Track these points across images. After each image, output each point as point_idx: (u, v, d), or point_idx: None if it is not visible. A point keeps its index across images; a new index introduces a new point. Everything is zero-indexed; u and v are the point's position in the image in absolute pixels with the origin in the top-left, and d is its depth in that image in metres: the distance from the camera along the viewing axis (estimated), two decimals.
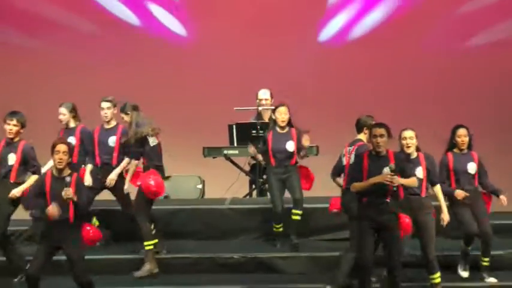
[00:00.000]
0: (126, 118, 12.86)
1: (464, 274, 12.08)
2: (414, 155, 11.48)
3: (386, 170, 10.42)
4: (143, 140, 12.63)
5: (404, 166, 10.88)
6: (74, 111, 13.57)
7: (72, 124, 13.38)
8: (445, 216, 11.43)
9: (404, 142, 11.36)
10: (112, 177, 13.17)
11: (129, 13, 18.51)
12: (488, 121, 17.19)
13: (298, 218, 12.93)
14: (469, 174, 11.90)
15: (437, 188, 11.61)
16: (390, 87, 16.49)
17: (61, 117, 13.32)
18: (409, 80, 17.39)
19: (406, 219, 11.07)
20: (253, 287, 12.04)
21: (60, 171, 10.53)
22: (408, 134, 11.38)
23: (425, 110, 16.53)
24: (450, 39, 18.37)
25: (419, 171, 11.36)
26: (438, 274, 11.38)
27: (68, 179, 10.39)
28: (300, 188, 13.04)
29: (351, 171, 11.17)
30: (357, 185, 10.60)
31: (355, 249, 11.10)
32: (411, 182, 10.70)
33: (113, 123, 13.54)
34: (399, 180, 10.46)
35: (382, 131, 10.52)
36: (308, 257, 12.77)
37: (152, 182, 12.31)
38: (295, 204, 12.88)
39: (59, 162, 10.46)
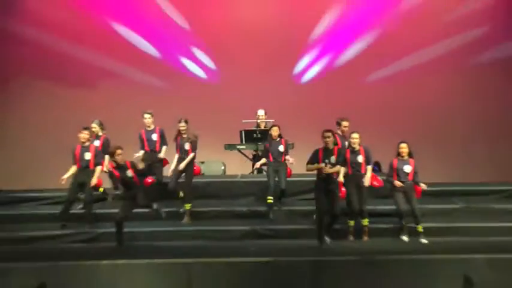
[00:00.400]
0: (183, 125, 15.47)
1: (405, 238, 14.19)
2: (357, 148, 14.21)
3: (324, 162, 13.52)
4: (187, 140, 15.47)
5: (340, 160, 13.68)
6: (101, 125, 16.11)
7: (100, 133, 16.00)
8: (366, 181, 14.28)
9: (352, 140, 14.21)
10: (161, 155, 16.01)
11: (181, 65, 20.75)
12: (421, 134, 18.63)
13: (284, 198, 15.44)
14: (405, 172, 14.12)
15: (369, 168, 14.28)
16: (345, 108, 17.00)
17: (93, 129, 15.90)
18: (358, 103, 19.03)
19: (342, 188, 14.07)
20: (255, 228, 14.74)
21: (120, 164, 13.73)
22: (355, 135, 14.23)
23: (374, 121, 17.74)
24: (388, 73, 20.53)
25: (360, 158, 14.20)
26: (367, 220, 14.25)
27: (129, 172, 13.78)
28: (285, 180, 15.28)
29: (310, 158, 13.71)
30: (308, 167, 13.57)
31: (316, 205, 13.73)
32: (336, 169, 13.54)
33: (152, 126, 16.04)
34: (328, 170, 13.30)
35: (328, 134, 13.51)
36: (287, 210, 15.76)
37: (196, 168, 15.70)
38: (282, 193, 15.42)
39: (121, 159, 13.68)
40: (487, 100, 19.14)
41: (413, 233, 14.13)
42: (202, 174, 16.82)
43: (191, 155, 15.30)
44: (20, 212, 15.79)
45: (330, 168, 13.44)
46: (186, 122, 15.24)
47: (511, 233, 14.65)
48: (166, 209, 14.78)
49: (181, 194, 15.31)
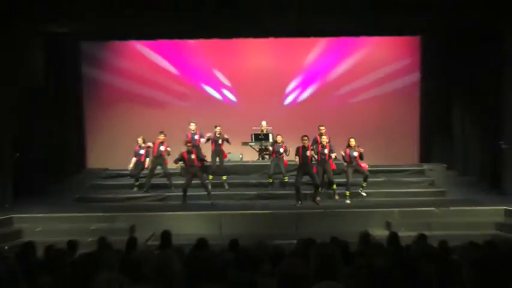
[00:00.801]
0: (219, 129, 15.34)
1: (348, 201, 13.93)
2: (325, 141, 14.11)
3: (307, 153, 13.61)
4: (219, 138, 15.40)
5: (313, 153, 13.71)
6: (165, 135, 15.24)
7: (162, 138, 15.22)
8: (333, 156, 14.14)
9: (322, 137, 14.13)
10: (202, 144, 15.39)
11: (211, 90, 19.17)
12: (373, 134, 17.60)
13: (286, 180, 15.21)
14: (354, 156, 14.02)
15: (334, 155, 14.19)
16: (318, 121, 15.17)
17: (162, 136, 15.17)
18: (327, 116, 17.07)
19: (315, 168, 13.98)
20: (260, 193, 14.82)
21: (189, 151, 13.85)
22: (323, 130, 14.19)
23: (333, 125, 15.81)
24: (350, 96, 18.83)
25: (326, 150, 14.07)
26: (335, 186, 14.26)
27: (192, 155, 13.83)
28: (284, 170, 15.16)
29: (296, 152, 13.71)
30: (297, 158, 13.73)
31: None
32: (312, 154, 13.62)
33: (195, 131, 15.56)
34: (310, 154, 13.57)
35: (304, 137, 13.66)
36: (279, 182, 15.33)
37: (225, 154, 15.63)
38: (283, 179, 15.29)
39: (189, 148, 13.86)
40: (397, 113, 18.57)
41: (356, 195, 14.35)
42: (228, 159, 16.57)
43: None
44: (120, 182, 16.11)
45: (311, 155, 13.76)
46: (219, 127, 15.54)
47: (413, 195, 14.98)
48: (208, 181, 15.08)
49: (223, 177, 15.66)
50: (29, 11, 13.90)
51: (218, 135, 15.52)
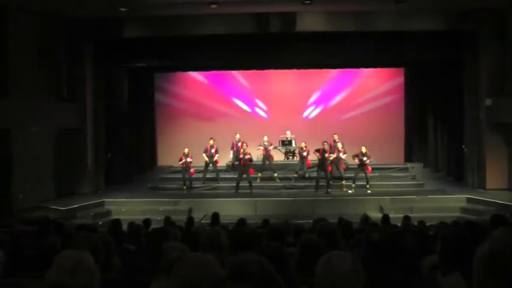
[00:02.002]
0: (266, 138, 15.20)
1: (350, 191, 13.84)
2: (340, 147, 13.97)
3: (326, 154, 13.62)
4: (267, 146, 15.18)
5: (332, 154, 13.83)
6: (214, 140, 14.72)
7: (214, 145, 14.74)
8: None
9: (337, 144, 14.07)
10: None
11: (243, 106, 18.67)
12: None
13: (307, 175, 14.82)
14: (363, 160, 13.71)
15: (345, 155, 14.14)
16: (331, 130, 15.34)
17: (212, 141, 14.75)
18: (339, 128, 16.10)
19: (329, 167, 13.87)
20: (285, 184, 14.55)
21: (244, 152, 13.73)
22: (336, 138, 14.28)
23: (345, 136, 15.02)
24: (353, 114, 18.17)
25: (342, 153, 14.05)
26: (344, 181, 14.05)
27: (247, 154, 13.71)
28: (306, 168, 14.84)
29: (317, 151, 13.79)
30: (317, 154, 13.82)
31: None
32: (334, 156, 13.75)
33: (239, 139, 15.20)
34: (330, 157, 13.67)
35: (325, 143, 13.74)
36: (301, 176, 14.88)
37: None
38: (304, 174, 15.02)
39: (244, 148, 13.77)
40: (388, 125, 18.08)
41: (362, 187, 14.08)
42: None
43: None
44: (181, 176, 15.09)
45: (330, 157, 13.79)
46: (267, 136, 15.38)
47: (399, 187, 14.76)
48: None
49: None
50: (117, 51, 14.88)
51: (266, 143, 15.23)
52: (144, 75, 17.79)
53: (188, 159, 14.28)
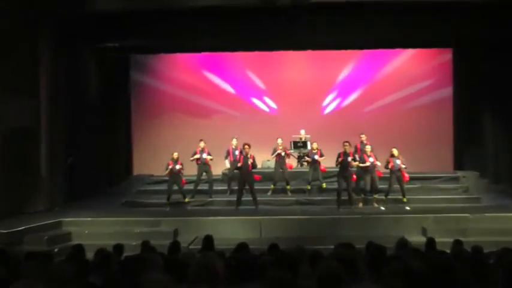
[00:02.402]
0: (280, 141, 15.29)
1: (383, 208, 13.86)
2: (369, 150, 13.97)
3: (349, 159, 13.77)
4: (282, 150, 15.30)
5: (355, 158, 13.91)
6: (204, 142, 14.97)
7: (205, 148, 14.93)
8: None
9: (366, 147, 14.16)
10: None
11: (255, 101, 19.07)
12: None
13: (324, 186, 15.13)
14: (397, 164, 13.84)
15: (378, 163, 14.12)
16: (355, 128, 15.90)
17: (202, 144, 14.98)
18: (364, 124, 16.96)
19: (353, 176, 14.12)
20: (298, 199, 14.75)
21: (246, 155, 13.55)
22: (364, 138, 14.54)
23: (372, 134, 15.40)
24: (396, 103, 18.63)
25: (371, 159, 14.02)
26: (376, 195, 14.18)
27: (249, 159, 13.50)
28: (321, 177, 15.09)
29: (337, 158, 13.85)
30: (337, 163, 13.89)
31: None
32: (356, 164, 13.94)
33: (236, 145, 15.29)
34: (354, 164, 13.84)
35: (346, 143, 13.86)
36: (317, 187, 15.33)
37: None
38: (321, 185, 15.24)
39: (246, 152, 13.54)
40: (431, 123, 18.35)
41: (398, 201, 14.27)
42: (268, 166, 16.46)
43: None
44: (165, 187, 15.26)
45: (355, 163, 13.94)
46: (280, 139, 15.53)
47: (447, 201, 14.77)
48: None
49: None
50: (85, 30, 14.87)
51: (280, 147, 15.41)
52: (118, 61, 17.91)
53: (177, 167, 14.31)
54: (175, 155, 14.44)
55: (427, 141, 17.84)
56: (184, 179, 14.78)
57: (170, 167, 14.33)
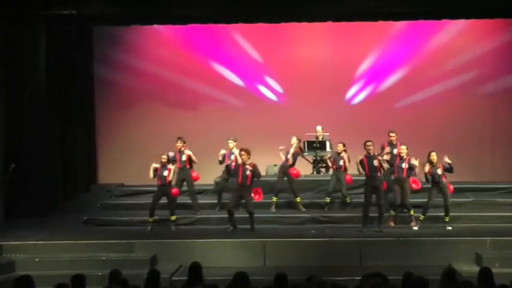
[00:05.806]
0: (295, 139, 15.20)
1: (415, 228, 13.77)
2: (404, 157, 13.82)
3: (374, 162, 13.54)
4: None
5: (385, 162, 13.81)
6: (184, 142, 14.83)
7: (182, 148, 14.72)
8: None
9: (401, 151, 13.95)
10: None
11: (243, 84, 19.09)
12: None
13: (348, 200, 15.01)
14: (439, 175, 13.62)
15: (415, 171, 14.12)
16: (383, 125, 15.96)
17: (179, 143, 14.80)
18: (392, 121, 16.87)
19: (384, 185, 13.92)
20: (314, 215, 14.60)
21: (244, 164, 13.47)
22: (403, 147, 13.96)
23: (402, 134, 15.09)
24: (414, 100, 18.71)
25: (404, 165, 13.87)
26: (412, 211, 13.94)
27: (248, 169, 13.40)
28: (346, 188, 15.05)
29: (360, 164, 13.66)
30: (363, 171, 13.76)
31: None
32: (385, 163, 13.74)
33: (233, 148, 14.87)
34: (380, 158, 13.59)
35: (369, 143, 13.70)
36: (340, 201, 15.23)
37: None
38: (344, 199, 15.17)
39: (242, 158, 13.39)
40: (486, 120, 18.41)
41: (439, 221, 14.06)
42: (274, 173, 16.33)
43: None
44: (138, 201, 15.72)
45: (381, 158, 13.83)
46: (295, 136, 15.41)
47: (509, 220, 14.49)
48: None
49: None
50: None
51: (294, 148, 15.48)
52: (76, 34, 17.71)
53: (165, 173, 14.24)
54: (165, 157, 14.29)
55: (482, 143, 17.99)
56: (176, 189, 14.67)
57: (158, 173, 14.20)
